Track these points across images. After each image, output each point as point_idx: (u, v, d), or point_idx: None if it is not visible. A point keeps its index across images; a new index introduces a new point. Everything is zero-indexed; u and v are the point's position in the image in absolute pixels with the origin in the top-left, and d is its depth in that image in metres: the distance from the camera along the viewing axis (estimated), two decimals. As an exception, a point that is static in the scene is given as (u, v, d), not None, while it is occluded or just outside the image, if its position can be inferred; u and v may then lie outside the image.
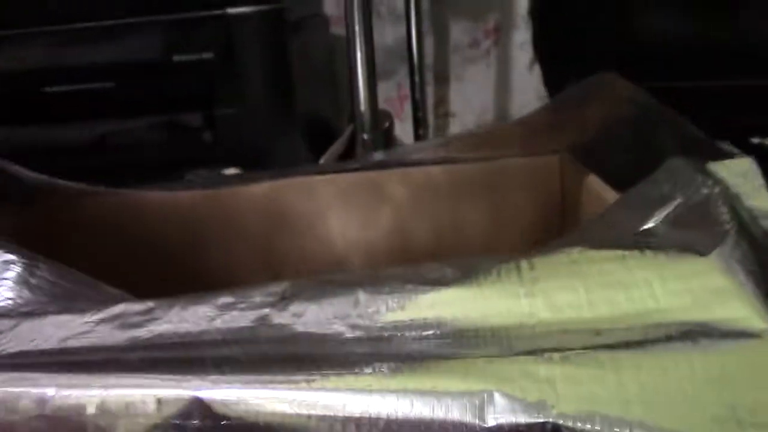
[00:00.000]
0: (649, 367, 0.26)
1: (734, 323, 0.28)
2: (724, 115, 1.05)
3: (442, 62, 1.20)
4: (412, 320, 0.31)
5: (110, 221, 0.56)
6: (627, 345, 0.27)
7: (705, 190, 0.39)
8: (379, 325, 0.31)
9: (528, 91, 1.17)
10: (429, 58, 1.19)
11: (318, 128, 1.03)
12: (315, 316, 0.32)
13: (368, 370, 0.27)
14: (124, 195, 0.56)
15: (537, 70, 1.16)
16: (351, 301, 0.33)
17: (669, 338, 0.28)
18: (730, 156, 0.48)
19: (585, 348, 0.28)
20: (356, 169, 0.56)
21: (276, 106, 0.87)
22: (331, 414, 0.26)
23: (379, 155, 0.55)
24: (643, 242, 0.35)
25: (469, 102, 1.21)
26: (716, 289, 0.30)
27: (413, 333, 0.31)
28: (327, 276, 0.36)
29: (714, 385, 0.26)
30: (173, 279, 0.56)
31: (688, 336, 0.28)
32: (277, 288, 0.35)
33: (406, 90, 1.19)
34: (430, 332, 0.30)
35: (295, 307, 0.33)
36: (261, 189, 0.56)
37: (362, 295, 0.33)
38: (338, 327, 0.32)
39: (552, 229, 0.57)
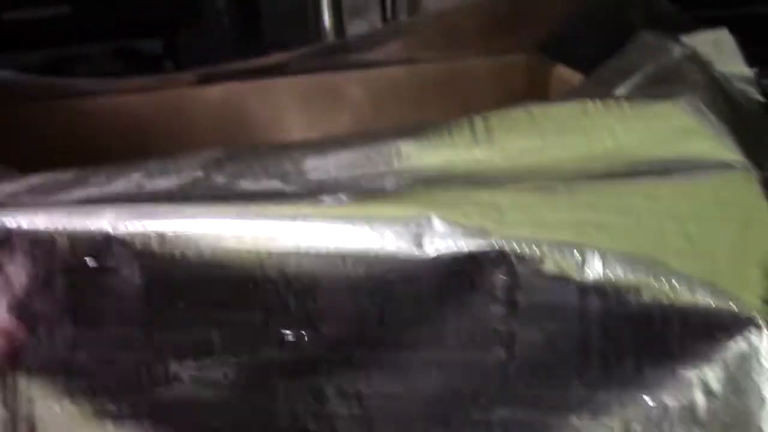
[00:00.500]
0: (609, 197, 0.24)
1: (704, 155, 0.26)
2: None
3: (418, 3, 1.16)
4: (352, 168, 0.28)
5: (54, 128, 0.53)
6: (586, 177, 0.25)
7: (676, 55, 0.36)
8: (323, 179, 0.29)
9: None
10: (403, -4, 1.15)
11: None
12: (252, 175, 0.30)
13: (294, 202, 0.25)
14: (69, 100, 0.54)
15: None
16: (293, 160, 0.30)
17: (632, 173, 0.25)
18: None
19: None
20: (314, 70, 0.53)
21: (242, 36, 0.84)
22: (255, 248, 0.23)
23: (337, 47, 0.52)
24: (608, 98, 0.33)
25: None
26: (685, 127, 0.27)
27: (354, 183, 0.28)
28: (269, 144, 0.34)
29: (679, 217, 0.24)
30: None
31: (653, 170, 0.25)
32: (212, 153, 0.32)
33: None
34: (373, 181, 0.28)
35: (231, 168, 0.30)
36: (216, 93, 0.53)
37: (305, 156, 0.30)
38: (277, 184, 0.29)
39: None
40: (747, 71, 0.37)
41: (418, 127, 0.31)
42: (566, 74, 0.47)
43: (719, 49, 0.38)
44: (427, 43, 0.51)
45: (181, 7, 0.81)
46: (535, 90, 0.53)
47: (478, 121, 0.30)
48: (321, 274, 0.23)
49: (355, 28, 1.18)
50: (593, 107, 0.30)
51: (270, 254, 0.23)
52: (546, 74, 0.51)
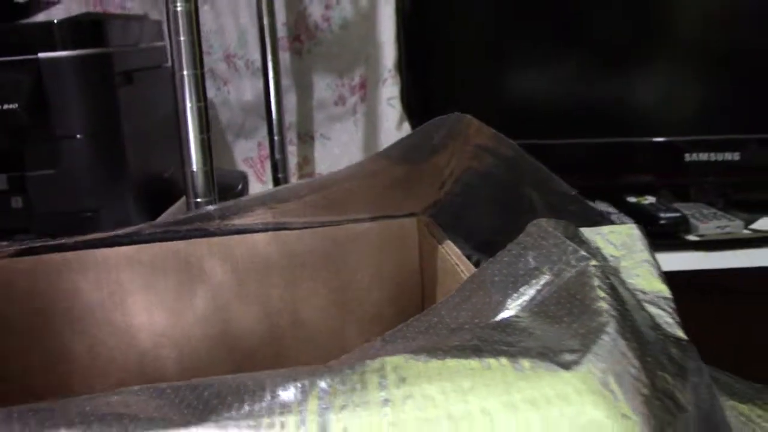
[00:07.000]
0: None
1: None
2: (600, 174, 1.01)
3: (306, 120, 1.11)
4: None
5: None
6: None
7: (579, 265, 0.30)
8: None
9: (398, 149, 1.09)
10: (292, 115, 1.09)
11: (159, 192, 0.91)
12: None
13: None
14: None
15: (406, 127, 1.08)
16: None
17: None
18: (606, 219, 0.40)
19: None
20: (161, 239, 0.45)
21: (102, 167, 0.75)
22: None
23: (190, 216, 0.44)
24: (497, 344, 0.26)
25: (337, 162, 1.12)
26: (582, 423, 0.21)
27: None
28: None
29: None
30: None
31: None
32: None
33: (268, 150, 1.09)
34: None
35: None
36: (30, 264, 0.44)
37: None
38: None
39: (411, 306, 0.47)
40: (659, 281, 0.31)
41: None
42: (451, 251, 0.41)
43: (629, 252, 0.32)
44: (301, 209, 0.44)
45: (30, 138, 0.71)
46: (424, 261, 0.46)
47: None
48: None
49: (244, 149, 1.11)
50: (471, 376, 0.23)
51: None
52: (432, 243, 0.44)
